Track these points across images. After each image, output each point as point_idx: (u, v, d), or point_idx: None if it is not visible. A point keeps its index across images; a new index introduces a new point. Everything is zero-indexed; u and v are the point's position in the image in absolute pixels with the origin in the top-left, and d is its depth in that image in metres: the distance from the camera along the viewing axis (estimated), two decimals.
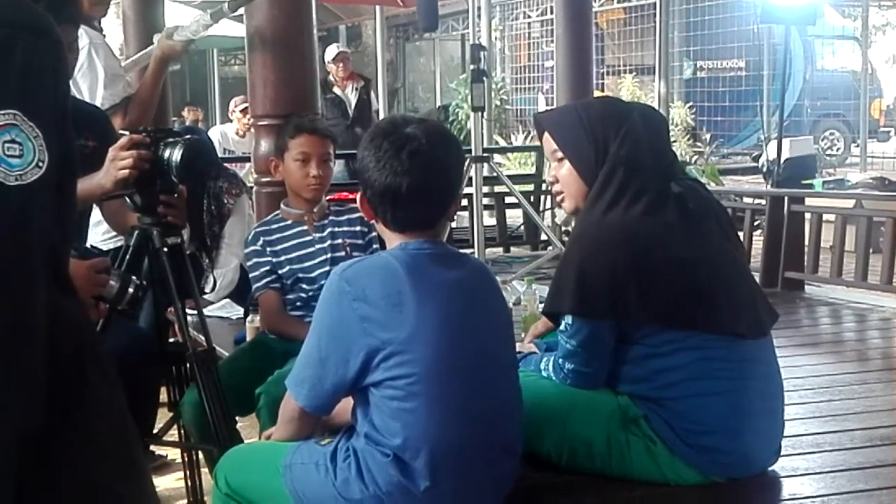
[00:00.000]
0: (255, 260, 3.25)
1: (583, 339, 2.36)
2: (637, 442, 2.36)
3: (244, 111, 7.83)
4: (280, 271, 3.22)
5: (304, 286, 3.20)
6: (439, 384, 2.04)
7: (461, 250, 2.89)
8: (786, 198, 5.62)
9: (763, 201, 5.89)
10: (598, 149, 2.40)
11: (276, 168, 3.33)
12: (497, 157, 10.41)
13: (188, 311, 2.82)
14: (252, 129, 5.08)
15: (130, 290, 2.46)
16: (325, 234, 3.25)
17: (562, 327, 2.41)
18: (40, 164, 1.18)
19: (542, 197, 7.65)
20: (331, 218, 3.29)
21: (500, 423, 2.16)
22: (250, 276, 3.30)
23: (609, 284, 2.30)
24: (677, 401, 2.33)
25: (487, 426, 2.12)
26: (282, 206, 3.35)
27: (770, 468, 2.47)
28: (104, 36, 3.99)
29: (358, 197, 2.21)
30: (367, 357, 2.03)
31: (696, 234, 2.38)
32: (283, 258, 3.22)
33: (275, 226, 3.29)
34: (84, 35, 3.59)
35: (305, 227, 3.27)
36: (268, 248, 3.24)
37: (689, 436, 2.32)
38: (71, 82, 3.11)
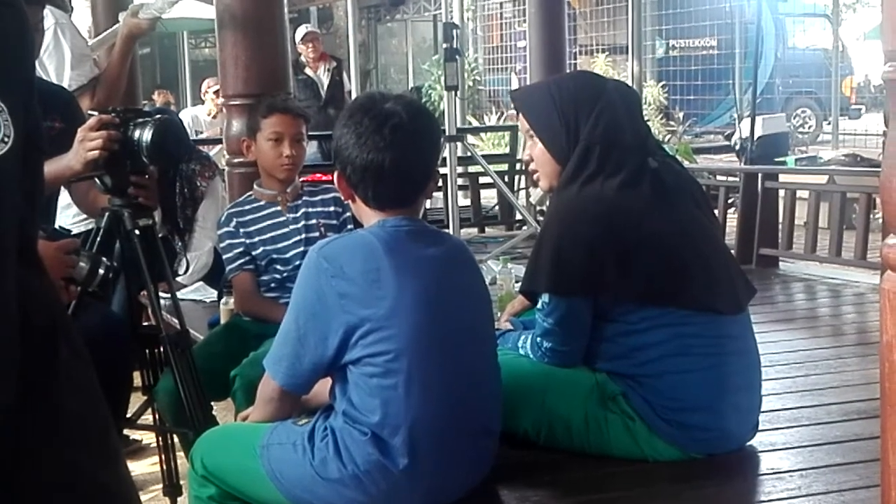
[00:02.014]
0: (228, 241, 3.22)
1: (560, 317, 2.35)
2: (615, 419, 2.35)
3: (217, 92, 7.75)
4: (254, 252, 3.18)
5: (278, 267, 3.17)
6: (418, 360, 2.02)
7: None
8: (759, 175, 5.62)
9: (737, 179, 5.90)
10: (569, 130, 2.38)
11: (249, 148, 3.30)
12: (471, 138, 10.37)
13: (161, 294, 2.79)
14: (224, 110, 5.03)
15: (101, 271, 2.42)
16: (298, 214, 3.22)
17: (539, 305, 2.40)
18: (6, 139, 1.14)
19: (517, 177, 7.63)
20: (304, 198, 3.26)
21: (479, 401, 2.15)
22: (224, 257, 3.26)
23: (586, 261, 2.29)
24: (655, 378, 2.33)
25: (466, 403, 2.11)
26: (255, 186, 3.31)
27: (748, 443, 2.47)
28: (70, 15, 3.94)
29: (335, 176, 2.18)
30: (345, 334, 2.01)
31: (673, 209, 2.36)
32: (256, 239, 3.19)
33: (248, 206, 3.25)
34: (50, 15, 3.54)
35: (279, 208, 3.23)
36: (241, 230, 3.20)
37: (668, 412, 2.32)
38: (37, 63, 3.07)
